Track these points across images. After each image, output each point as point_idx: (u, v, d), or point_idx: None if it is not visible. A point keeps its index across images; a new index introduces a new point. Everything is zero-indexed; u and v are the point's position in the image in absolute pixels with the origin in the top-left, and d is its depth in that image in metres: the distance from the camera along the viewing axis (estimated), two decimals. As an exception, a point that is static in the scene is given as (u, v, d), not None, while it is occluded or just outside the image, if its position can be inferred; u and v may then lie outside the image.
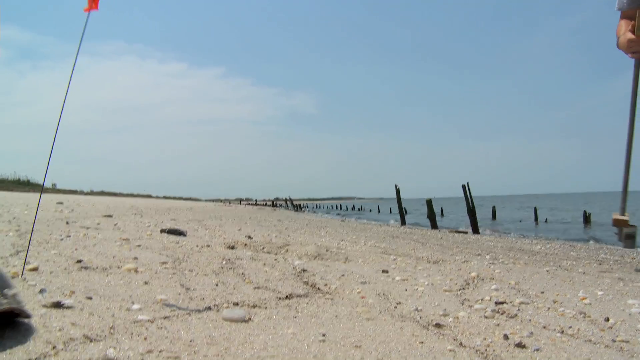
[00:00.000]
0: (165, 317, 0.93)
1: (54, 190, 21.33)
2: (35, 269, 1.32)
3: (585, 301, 1.32)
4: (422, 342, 0.84)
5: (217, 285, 1.28)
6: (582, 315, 1.13)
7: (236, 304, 1.05)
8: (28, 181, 20.62)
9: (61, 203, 6.61)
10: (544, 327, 0.99)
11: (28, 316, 0.76)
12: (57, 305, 0.94)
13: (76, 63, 1.17)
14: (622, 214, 1.69)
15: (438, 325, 0.96)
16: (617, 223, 1.64)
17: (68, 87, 1.23)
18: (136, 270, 1.37)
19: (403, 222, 10.42)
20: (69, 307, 0.94)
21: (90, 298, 1.04)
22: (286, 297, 1.17)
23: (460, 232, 6.80)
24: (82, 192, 23.74)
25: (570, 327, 0.99)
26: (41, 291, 1.06)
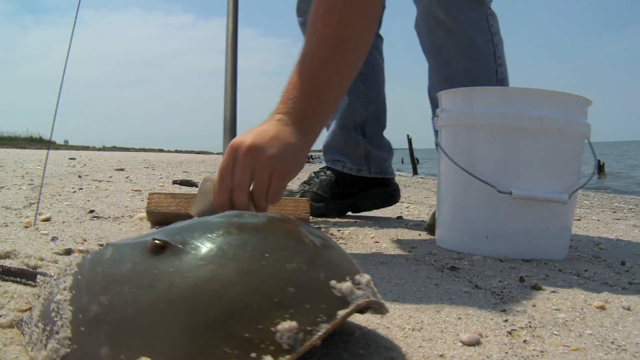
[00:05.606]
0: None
1: (67, 146, 21.49)
2: (47, 219, 1.32)
3: (601, 246, 1.30)
4: (437, 285, 0.83)
5: (229, 232, 1.27)
6: (597, 259, 1.11)
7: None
8: (40, 138, 20.78)
9: (73, 159, 6.65)
10: (560, 270, 0.98)
11: (387, 311, 0.54)
12: (69, 252, 0.94)
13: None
14: None
15: (453, 268, 0.95)
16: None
17: (71, 41, 1.20)
18: (148, 219, 1.37)
19: (415, 172, 10.40)
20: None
21: (102, 245, 1.04)
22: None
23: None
24: (94, 148, 23.91)
25: (587, 271, 0.98)
26: (53, 239, 1.06)
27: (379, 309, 0.52)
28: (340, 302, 0.44)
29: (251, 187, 0.77)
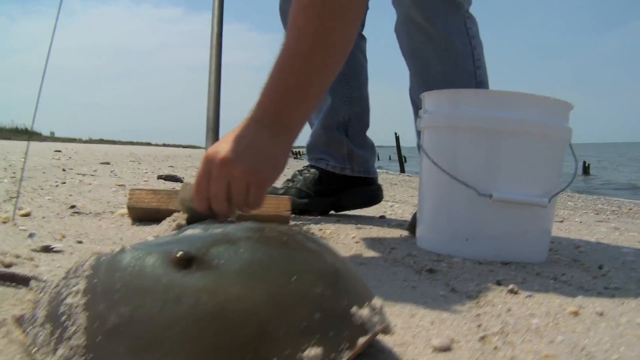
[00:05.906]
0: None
1: (53, 138, 21.32)
2: (27, 214, 1.31)
3: (581, 249, 1.31)
4: (414, 287, 0.84)
5: (210, 230, 1.27)
6: (576, 262, 1.12)
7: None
8: (26, 129, 20.59)
9: (59, 151, 6.59)
10: (538, 274, 0.99)
11: (392, 332, 0.53)
12: (47, 249, 0.93)
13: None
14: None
15: (431, 271, 0.96)
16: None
17: (54, 32, 1.19)
18: (129, 215, 1.36)
19: (402, 170, 10.44)
20: (58, 251, 0.94)
21: (80, 242, 1.03)
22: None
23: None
24: (80, 140, 23.73)
25: (564, 274, 0.99)
26: (31, 235, 1.05)
27: (386, 331, 0.52)
28: (360, 329, 0.44)
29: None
